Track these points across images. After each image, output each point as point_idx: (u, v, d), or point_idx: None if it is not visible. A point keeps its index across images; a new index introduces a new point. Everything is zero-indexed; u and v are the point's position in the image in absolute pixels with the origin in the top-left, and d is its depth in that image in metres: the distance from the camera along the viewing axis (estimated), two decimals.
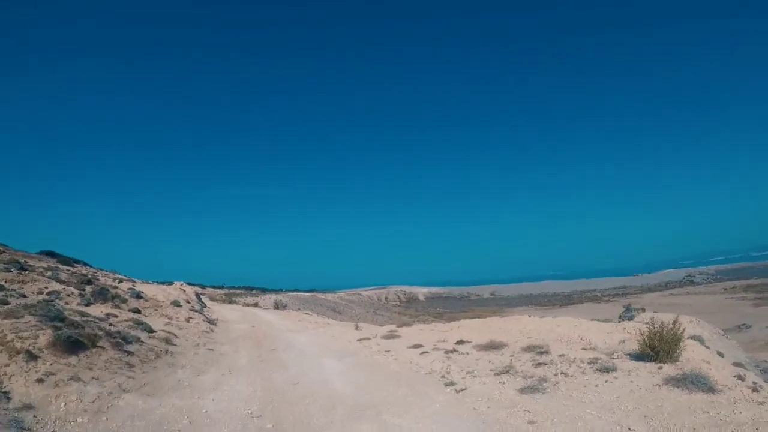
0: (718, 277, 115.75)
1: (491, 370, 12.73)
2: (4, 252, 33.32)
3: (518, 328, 18.21)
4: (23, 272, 24.17)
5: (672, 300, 79.05)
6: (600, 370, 11.34)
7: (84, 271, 34.83)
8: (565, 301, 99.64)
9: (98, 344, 12.57)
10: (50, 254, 44.00)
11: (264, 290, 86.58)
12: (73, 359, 11.29)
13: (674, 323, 12.16)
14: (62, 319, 13.86)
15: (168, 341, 15.72)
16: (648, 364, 11.39)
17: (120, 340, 13.42)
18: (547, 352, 13.98)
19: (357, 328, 23.07)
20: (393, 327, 22.94)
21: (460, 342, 17.06)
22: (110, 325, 16.15)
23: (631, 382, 10.37)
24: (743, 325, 48.30)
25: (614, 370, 11.25)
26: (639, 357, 12.09)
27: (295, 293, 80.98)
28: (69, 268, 37.08)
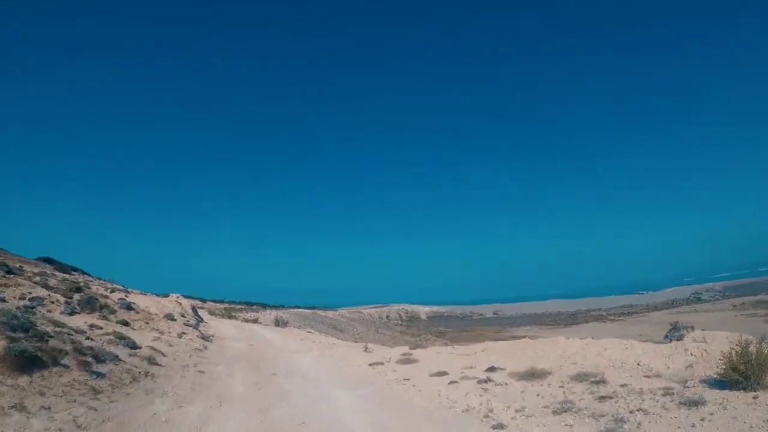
0: (726, 293, 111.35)
1: (545, 406, 10.22)
2: None
3: (557, 351, 15.66)
4: (7, 276, 21.76)
5: (680, 318, 75.73)
6: (684, 404, 8.94)
7: (77, 279, 32.32)
8: (570, 320, 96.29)
9: (61, 362, 10.05)
10: (48, 261, 41.79)
11: (264, 306, 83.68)
12: (23, 380, 8.79)
13: (762, 341, 9.78)
14: (27, 329, 11.38)
15: (151, 360, 13.15)
16: (737, 393, 9.08)
17: (90, 359, 10.88)
18: (603, 382, 11.62)
19: (366, 349, 20.44)
20: (406, 349, 20.30)
21: (492, 369, 14.51)
22: (87, 338, 13.64)
23: (734, 418, 7.98)
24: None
25: (702, 403, 8.82)
26: (719, 384, 9.83)
27: (296, 310, 77.98)
28: (64, 275, 34.70)
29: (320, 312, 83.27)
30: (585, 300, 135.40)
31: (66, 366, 9.99)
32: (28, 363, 9.24)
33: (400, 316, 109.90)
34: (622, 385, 11.11)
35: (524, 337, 73.14)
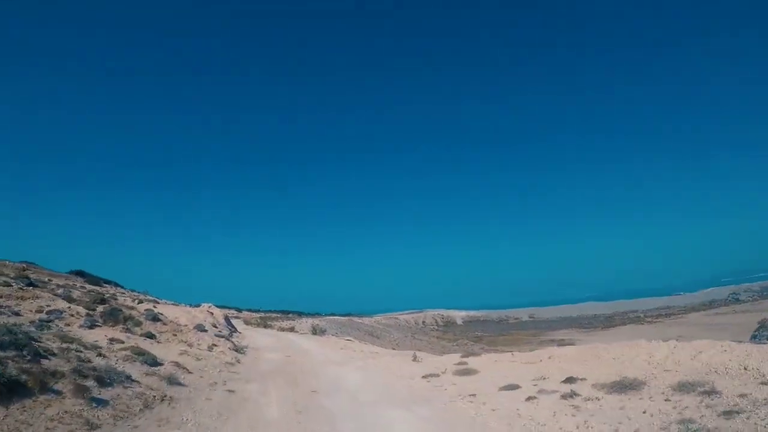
0: (764, 293, 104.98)
1: (663, 428, 7.67)
2: (26, 269, 29.77)
3: (641, 356, 12.90)
4: (25, 288, 20.12)
5: (718, 319, 71.68)
6: None
7: (105, 291, 30.78)
8: (607, 323, 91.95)
9: (52, 388, 7.87)
10: (80, 274, 40.87)
11: (300, 314, 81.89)
12: None
13: None
14: (21, 346, 9.31)
15: (172, 380, 10.93)
16: None
17: (92, 382, 8.69)
18: (715, 392, 9.03)
19: (415, 359, 17.86)
20: (458, 357, 17.68)
21: (571, 380, 11.85)
22: (99, 355, 11.56)
23: None
24: None
25: None
26: None
27: (332, 317, 75.92)
28: (95, 287, 33.38)
29: (356, 319, 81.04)
30: (620, 302, 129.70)
31: (58, 392, 7.82)
32: (6, 390, 7.10)
33: (436, 322, 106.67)
34: (740, 396, 8.67)
35: (562, 340, 69.89)
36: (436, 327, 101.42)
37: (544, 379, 12.66)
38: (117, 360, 11.51)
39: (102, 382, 8.86)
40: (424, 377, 13.98)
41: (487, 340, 78.20)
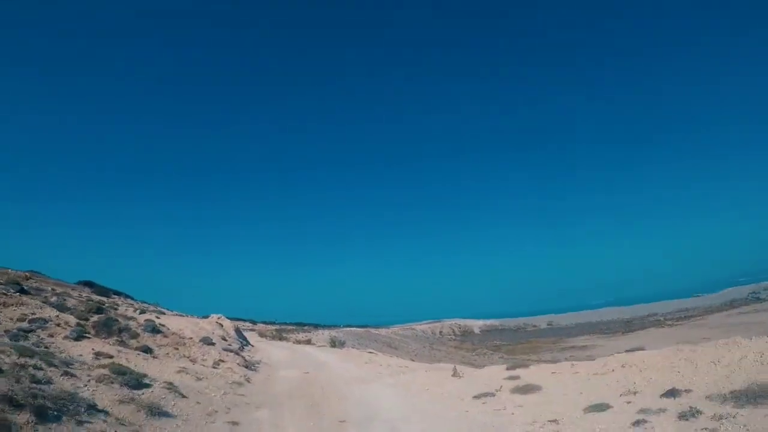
0: None
1: None
2: (30, 278, 27.45)
3: (750, 357, 9.85)
4: (8, 294, 17.59)
5: (741, 319, 67.56)
6: None
7: (108, 301, 28.19)
8: (626, 327, 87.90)
9: None
10: (88, 284, 38.61)
11: (316, 326, 78.82)
12: None
13: None
14: None
15: (154, 409, 8.05)
16: None
17: (27, 416, 5.87)
18: None
19: (455, 373, 14.70)
20: (505, 370, 14.58)
21: (674, 392, 8.95)
22: (65, 374, 8.83)
23: None
24: None
25: None
26: None
27: (348, 329, 72.75)
28: (101, 297, 30.94)
29: (373, 330, 77.88)
30: (639, 306, 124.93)
31: None
32: None
33: (453, 331, 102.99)
34: None
35: (584, 346, 66.02)
36: (453, 336, 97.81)
37: (635, 393, 9.68)
38: (88, 381, 8.72)
39: (44, 415, 6.04)
40: (476, 397, 10.94)
41: (506, 349, 74.94)
